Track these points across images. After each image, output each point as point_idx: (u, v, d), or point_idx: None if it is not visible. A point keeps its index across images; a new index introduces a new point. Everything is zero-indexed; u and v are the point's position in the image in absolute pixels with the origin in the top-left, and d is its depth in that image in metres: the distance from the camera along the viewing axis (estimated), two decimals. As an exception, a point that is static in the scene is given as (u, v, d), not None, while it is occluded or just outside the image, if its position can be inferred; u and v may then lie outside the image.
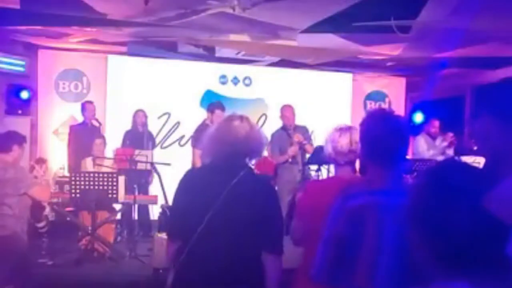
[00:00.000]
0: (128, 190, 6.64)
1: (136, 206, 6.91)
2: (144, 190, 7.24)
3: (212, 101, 7.28)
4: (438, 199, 1.02)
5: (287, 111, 6.76)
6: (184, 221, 2.37)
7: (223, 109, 6.63)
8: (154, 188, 7.36)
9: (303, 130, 6.75)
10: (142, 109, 7.65)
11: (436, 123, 7.59)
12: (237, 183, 2.32)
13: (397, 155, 2.07)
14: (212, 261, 2.31)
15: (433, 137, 7.54)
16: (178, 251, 2.38)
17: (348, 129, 2.56)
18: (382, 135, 2.03)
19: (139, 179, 6.90)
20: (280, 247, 2.40)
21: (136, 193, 7.00)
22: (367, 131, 2.09)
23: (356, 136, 2.51)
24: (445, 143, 7.32)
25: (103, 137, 7.02)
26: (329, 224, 2.02)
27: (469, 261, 0.99)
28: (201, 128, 6.22)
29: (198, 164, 6.14)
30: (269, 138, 7.03)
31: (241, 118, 2.49)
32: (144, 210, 7.31)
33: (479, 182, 1.02)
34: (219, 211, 2.29)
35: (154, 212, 7.28)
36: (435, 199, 1.03)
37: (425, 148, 7.42)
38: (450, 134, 7.33)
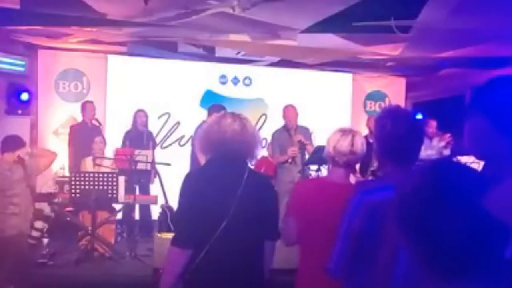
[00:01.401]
0: (128, 190, 6.65)
1: (138, 206, 6.93)
2: (145, 190, 7.24)
3: (212, 102, 7.28)
4: (428, 201, 1.00)
5: (289, 111, 6.75)
6: (196, 227, 2.31)
7: (226, 110, 6.66)
8: (154, 188, 7.36)
9: (305, 131, 6.75)
10: (143, 109, 7.67)
11: (433, 123, 7.59)
12: (244, 185, 2.33)
13: (413, 154, 2.11)
14: (229, 262, 2.32)
15: (430, 137, 7.55)
16: (190, 257, 2.33)
17: (350, 131, 2.60)
18: (399, 134, 2.05)
19: (139, 179, 6.90)
20: (278, 232, 2.56)
21: (137, 193, 7.02)
22: (383, 130, 2.09)
23: (358, 138, 2.54)
24: (442, 143, 7.33)
25: (102, 136, 7.02)
26: (347, 220, 2.04)
27: (459, 266, 0.98)
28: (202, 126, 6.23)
29: (202, 160, 6.16)
30: (269, 137, 7.07)
31: (234, 116, 2.45)
32: (145, 210, 7.31)
33: (471, 183, 1.00)
34: (233, 215, 2.30)
35: (154, 212, 7.29)
36: (425, 201, 1.00)
37: (422, 148, 7.41)
38: (447, 135, 7.34)
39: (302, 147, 6.51)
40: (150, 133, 7.76)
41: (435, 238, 0.98)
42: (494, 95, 1.49)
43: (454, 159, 1.09)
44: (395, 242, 1.94)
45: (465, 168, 1.04)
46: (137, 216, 7.13)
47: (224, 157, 2.40)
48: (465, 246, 0.96)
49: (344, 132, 2.58)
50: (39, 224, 4.16)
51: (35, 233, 4.15)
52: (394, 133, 2.05)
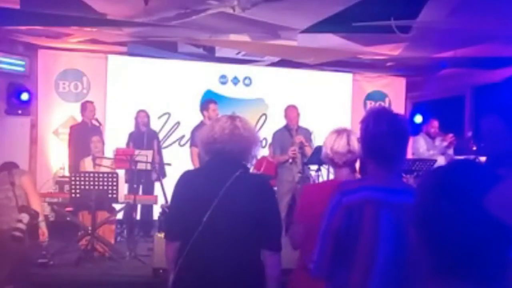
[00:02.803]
0: (129, 190, 6.66)
1: (139, 206, 6.93)
2: (148, 190, 7.25)
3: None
4: (448, 201, 1.00)
5: (291, 111, 6.77)
6: (182, 221, 2.37)
7: (215, 102, 6.72)
8: (154, 188, 7.37)
9: (305, 132, 6.76)
10: (144, 109, 7.67)
11: (435, 123, 7.60)
12: (233, 183, 2.33)
13: (396, 154, 2.08)
14: (212, 261, 2.30)
15: (432, 137, 7.55)
16: (178, 252, 2.38)
17: (345, 131, 2.62)
18: (381, 134, 2.04)
19: (140, 179, 6.90)
20: (278, 243, 2.41)
21: (140, 193, 7.04)
22: (366, 130, 2.10)
23: (354, 137, 2.55)
24: (445, 143, 7.33)
25: (100, 135, 7.02)
26: (327, 220, 2.04)
27: (474, 265, 0.98)
28: (198, 127, 6.27)
29: (196, 162, 6.20)
30: (269, 137, 7.08)
31: (231, 118, 2.48)
32: (147, 210, 7.32)
33: (491, 184, 0.99)
34: (216, 211, 2.29)
35: (154, 212, 7.30)
36: (444, 201, 1.00)
37: (425, 148, 7.43)
38: (450, 135, 7.34)
39: (302, 147, 6.52)
40: (154, 133, 7.77)
41: (449, 239, 0.98)
42: (509, 94, 1.50)
43: (472, 159, 1.09)
44: (372, 241, 1.95)
45: (483, 168, 1.05)
46: (138, 216, 7.12)
47: (218, 158, 2.43)
48: (478, 247, 0.97)
49: (339, 132, 2.60)
50: (21, 216, 4.15)
51: (20, 225, 4.10)
52: (375, 133, 2.05)
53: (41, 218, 4.43)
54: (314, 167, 6.42)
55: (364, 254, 1.97)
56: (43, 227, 4.47)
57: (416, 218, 1.05)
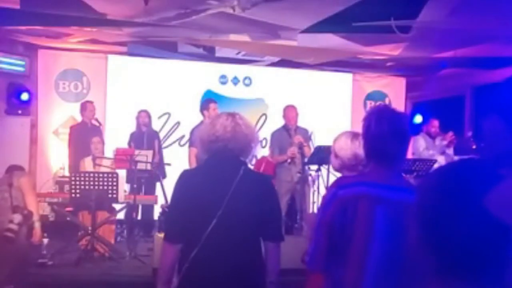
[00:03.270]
0: (130, 190, 6.66)
1: (140, 206, 6.93)
2: (150, 190, 7.25)
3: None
4: (449, 201, 0.99)
5: (290, 111, 6.76)
6: (186, 223, 2.35)
7: (215, 101, 6.72)
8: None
9: (304, 132, 6.76)
10: (145, 109, 7.67)
11: (436, 122, 7.59)
12: (238, 182, 2.33)
13: (397, 153, 2.08)
14: (222, 261, 2.31)
15: (433, 137, 7.54)
16: (182, 253, 2.36)
17: (358, 134, 2.56)
18: (382, 133, 2.03)
19: (140, 179, 6.90)
20: (281, 234, 2.50)
21: (143, 193, 7.04)
22: (368, 129, 2.09)
23: None
24: (445, 143, 7.32)
25: (100, 136, 7.02)
26: (321, 212, 2.05)
27: (474, 265, 0.98)
28: (198, 127, 6.27)
29: (193, 163, 6.19)
30: (269, 137, 7.08)
31: (230, 115, 2.48)
32: (147, 210, 7.32)
33: (492, 184, 0.99)
34: (225, 210, 2.29)
35: (155, 212, 7.30)
36: (446, 201, 1.00)
37: (425, 147, 7.43)
38: (450, 134, 7.34)
39: (301, 147, 6.52)
40: (155, 133, 7.77)
41: (452, 236, 0.98)
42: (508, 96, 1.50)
43: (475, 159, 1.08)
44: (366, 237, 1.95)
45: (484, 168, 1.04)
46: (139, 216, 7.13)
47: (218, 156, 2.43)
48: (481, 247, 0.96)
49: (356, 137, 2.57)
50: (13, 216, 4.14)
51: (11, 225, 4.09)
52: (377, 133, 2.05)
53: (35, 218, 4.40)
54: (314, 167, 6.41)
55: (357, 249, 1.98)
56: (37, 228, 4.43)
57: (419, 218, 1.05)
